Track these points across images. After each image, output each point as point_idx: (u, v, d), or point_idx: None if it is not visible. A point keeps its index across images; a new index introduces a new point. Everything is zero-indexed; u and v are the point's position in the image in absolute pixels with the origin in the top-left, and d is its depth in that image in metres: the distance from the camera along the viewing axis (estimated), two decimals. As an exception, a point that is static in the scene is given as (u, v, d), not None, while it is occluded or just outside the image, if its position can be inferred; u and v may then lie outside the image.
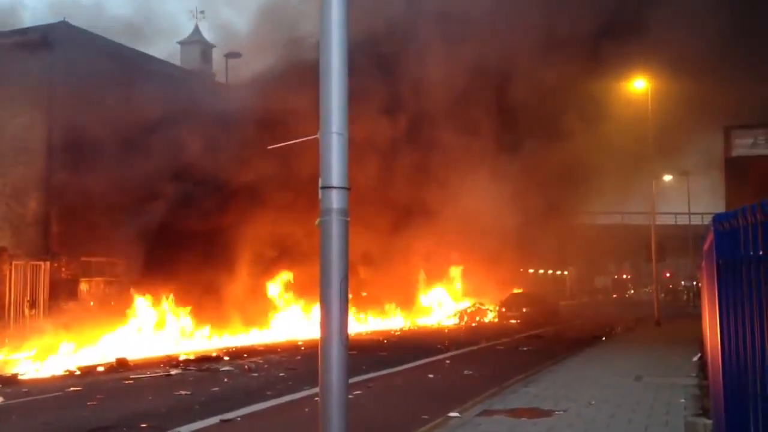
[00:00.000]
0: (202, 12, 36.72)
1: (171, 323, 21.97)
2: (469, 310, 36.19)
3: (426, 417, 9.53)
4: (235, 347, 20.73)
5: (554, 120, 31.58)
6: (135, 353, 17.89)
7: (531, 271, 59.45)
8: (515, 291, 39.05)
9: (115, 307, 21.05)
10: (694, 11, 25.22)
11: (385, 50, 26.83)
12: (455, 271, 37.82)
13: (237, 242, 24.57)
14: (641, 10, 28.43)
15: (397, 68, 26.96)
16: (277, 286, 27.69)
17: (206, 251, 24.28)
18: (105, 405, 11.23)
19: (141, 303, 21.39)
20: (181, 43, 35.67)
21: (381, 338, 24.68)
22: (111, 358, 16.80)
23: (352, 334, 19.24)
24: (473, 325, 33.72)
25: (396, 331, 29.55)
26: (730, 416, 4.51)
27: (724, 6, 24.89)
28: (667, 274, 71.20)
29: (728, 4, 25.22)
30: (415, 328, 31.93)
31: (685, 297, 59.85)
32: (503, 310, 35.87)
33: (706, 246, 6.38)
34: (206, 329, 22.58)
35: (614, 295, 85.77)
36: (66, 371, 15.54)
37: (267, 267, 26.59)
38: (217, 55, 35.32)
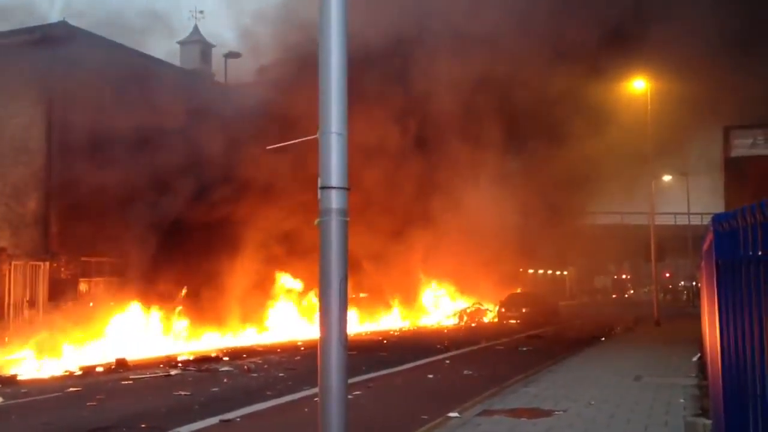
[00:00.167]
0: (201, 12, 36.75)
1: (171, 323, 21.97)
2: (468, 310, 36.18)
3: (426, 417, 9.53)
4: (235, 347, 20.73)
5: (554, 121, 31.61)
6: (134, 353, 17.91)
7: (531, 271, 59.49)
8: (515, 291, 39.08)
9: (115, 308, 21.03)
10: (693, 11, 25.24)
11: (391, 58, 26.89)
12: (455, 272, 37.79)
13: (240, 241, 24.56)
14: (641, 10, 28.44)
15: (397, 72, 27.01)
16: (279, 286, 27.69)
17: (207, 251, 24.30)
18: (105, 405, 11.22)
19: (141, 303, 21.38)
20: (181, 43, 35.63)
21: (381, 338, 24.69)
22: (110, 359, 16.82)
23: (352, 335, 19.28)
24: (473, 325, 33.72)
25: (395, 331, 29.56)
26: (729, 416, 4.51)
27: (723, 6, 24.90)
28: (667, 275, 71.23)
29: (728, 4, 25.23)
30: (415, 328, 31.94)
31: (684, 297, 59.86)
32: (503, 310, 35.84)
33: (705, 246, 6.38)
34: (206, 329, 22.58)
35: (614, 295, 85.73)
36: (65, 371, 15.56)
37: (269, 267, 26.55)
38: (216, 55, 35.34)
